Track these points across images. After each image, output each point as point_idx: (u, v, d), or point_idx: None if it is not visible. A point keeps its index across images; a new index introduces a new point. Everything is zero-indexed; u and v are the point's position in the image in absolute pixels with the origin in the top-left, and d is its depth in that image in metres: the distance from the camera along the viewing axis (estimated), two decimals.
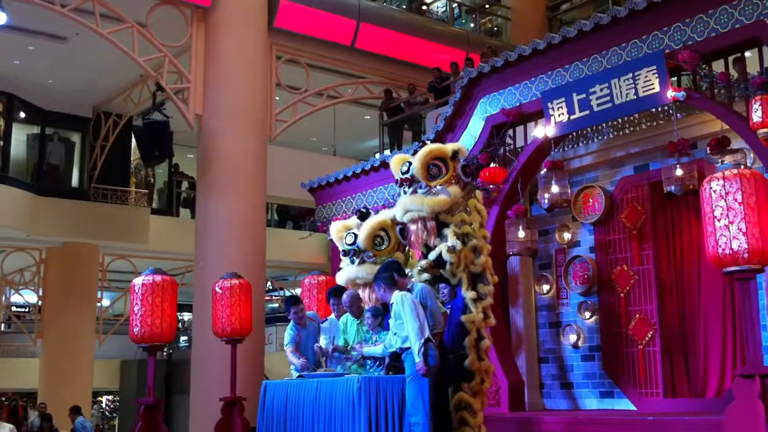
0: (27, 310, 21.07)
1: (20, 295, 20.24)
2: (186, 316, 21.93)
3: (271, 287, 22.07)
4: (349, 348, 6.98)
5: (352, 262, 7.41)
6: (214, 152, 12.69)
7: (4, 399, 20.05)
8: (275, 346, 19.57)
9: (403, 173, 7.04)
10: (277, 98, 13.98)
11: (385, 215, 7.42)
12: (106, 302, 19.97)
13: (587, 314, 8.91)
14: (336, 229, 7.77)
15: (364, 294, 7.20)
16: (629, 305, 8.54)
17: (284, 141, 14.99)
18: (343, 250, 7.48)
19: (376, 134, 15.37)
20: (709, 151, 7.63)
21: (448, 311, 6.79)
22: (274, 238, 15.78)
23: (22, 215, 16.19)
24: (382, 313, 6.70)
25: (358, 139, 19.12)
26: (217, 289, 10.09)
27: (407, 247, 7.44)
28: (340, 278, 7.52)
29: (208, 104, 12.88)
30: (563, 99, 8.33)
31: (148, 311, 9.20)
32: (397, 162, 7.24)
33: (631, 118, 8.54)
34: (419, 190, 6.97)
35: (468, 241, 6.78)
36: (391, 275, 6.47)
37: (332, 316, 7.58)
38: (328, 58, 14.77)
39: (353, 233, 7.42)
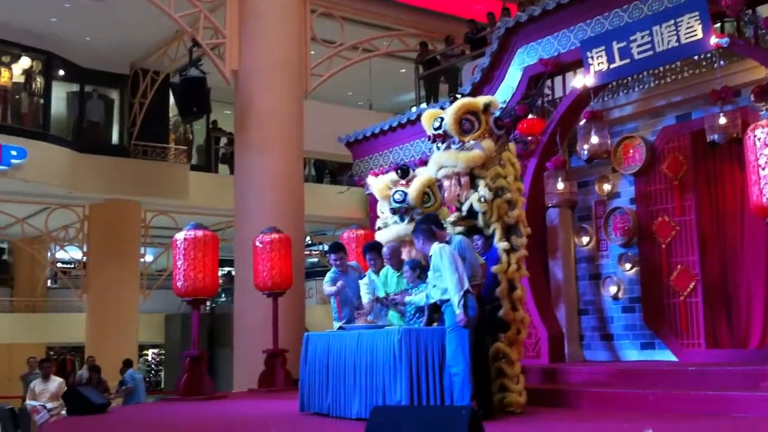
0: (72, 266, 21.61)
1: (65, 251, 20.74)
2: (228, 270, 22.31)
3: (310, 242, 22.28)
4: (386, 298, 7.01)
5: (402, 220, 7.38)
6: (250, 108, 12.73)
7: (52, 353, 20.68)
8: (315, 299, 19.81)
9: (435, 129, 6.99)
10: (312, 52, 13.94)
11: (429, 173, 7.35)
12: (149, 257, 20.35)
13: (628, 266, 8.85)
14: (379, 187, 7.72)
15: (411, 251, 7.15)
16: (670, 256, 8.47)
17: (320, 96, 14.98)
18: (392, 208, 7.44)
19: (412, 87, 15.27)
20: (753, 99, 7.46)
21: (485, 262, 6.80)
22: (312, 192, 15.87)
23: (64, 172, 16.50)
24: (420, 266, 6.73)
25: (394, 92, 19.01)
26: (257, 243, 10.24)
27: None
28: (388, 235, 7.44)
29: (243, 59, 12.88)
30: (603, 47, 8.17)
31: (190, 265, 9.39)
32: (429, 117, 7.18)
33: (673, 66, 8.35)
34: (452, 146, 6.91)
35: (502, 194, 6.75)
36: (430, 227, 6.48)
37: (369, 270, 7.62)
38: (362, 11, 14.64)
39: (402, 191, 7.37)
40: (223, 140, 20.24)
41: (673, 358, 8.29)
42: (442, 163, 6.94)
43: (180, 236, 9.56)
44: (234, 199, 13.04)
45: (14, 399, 12.64)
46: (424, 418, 4.67)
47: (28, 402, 10.80)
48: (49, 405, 10.45)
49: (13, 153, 15.30)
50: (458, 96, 7.32)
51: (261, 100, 12.71)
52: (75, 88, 18.09)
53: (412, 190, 7.28)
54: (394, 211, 7.40)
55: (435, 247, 6.28)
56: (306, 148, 13.59)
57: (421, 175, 7.35)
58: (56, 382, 10.88)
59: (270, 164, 12.55)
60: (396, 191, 7.39)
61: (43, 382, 10.88)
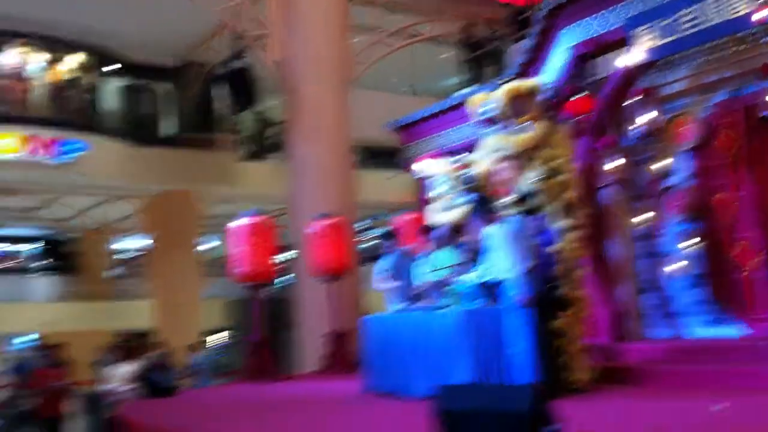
0: (135, 255, 22.28)
1: (127, 241, 21.39)
2: (286, 256, 22.68)
3: (363, 227, 22.49)
4: (443, 280, 7.19)
5: (472, 201, 7.52)
6: (297, 96, 12.97)
7: (120, 340, 21.29)
8: (372, 283, 19.96)
9: (486, 113, 7.10)
10: (355, 40, 14.06)
11: (481, 157, 7.46)
12: (209, 245, 20.82)
13: (687, 243, 8.81)
14: (444, 169, 7.83)
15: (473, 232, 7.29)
16: (731, 232, 8.39)
17: (364, 83, 15.12)
18: (464, 189, 7.53)
19: (456, 72, 15.32)
20: None
21: (541, 243, 6.92)
22: (362, 178, 16.05)
23: (120, 165, 16.99)
24: (474, 248, 6.89)
25: (438, 77, 19.08)
26: (312, 229, 10.48)
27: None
28: (453, 216, 7.55)
29: (287, 49, 13.09)
30: (649, 25, 8.14)
31: (246, 252, 9.67)
32: (477, 102, 7.29)
33: (722, 41, 8.29)
34: (504, 130, 7.03)
35: (556, 175, 6.86)
36: (486, 208, 6.64)
37: (425, 252, 7.79)
38: None
39: (473, 173, 7.47)
40: (273, 129, 20.50)
41: (738, 334, 8.24)
42: (494, 146, 7.07)
43: (236, 224, 9.85)
44: (286, 187, 13.33)
45: (87, 384, 13.11)
46: (489, 397, 4.81)
47: (101, 386, 11.28)
48: (120, 389, 10.88)
49: (72, 147, 15.84)
50: (504, 79, 7.42)
51: (306, 88, 12.95)
52: (127, 81, 18.56)
53: (480, 172, 7.39)
54: (464, 193, 7.50)
55: (491, 229, 6.44)
56: (354, 135, 13.80)
57: (482, 159, 7.46)
58: (127, 367, 11.31)
59: (319, 151, 12.81)
60: (466, 172, 7.51)
61: (114, 367, 11.33)
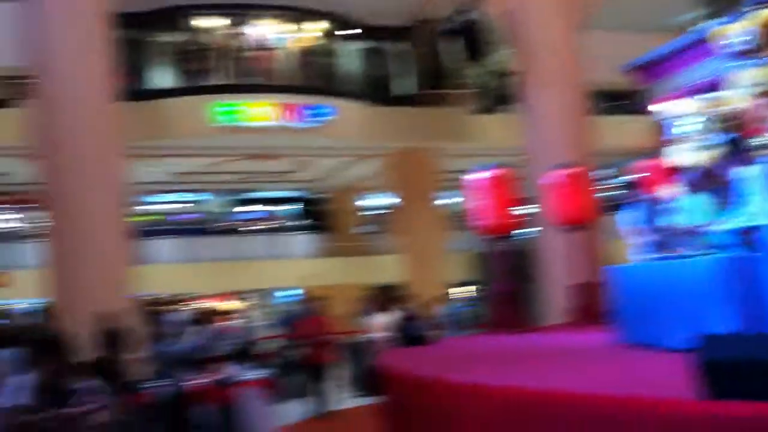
0: (381, 212, 23.49)
1: (373, 198, 22.60)
2: (527, 208, 22.75)
3: (603, 175, 21.91)
4: (695, 226, 6.94)
5: (725, 142, 7.20)
6: (527, 45, 12.88)
7: (375, 293, 22.59)
8: (614, 233, 19.51)
9: (736, 46, 6.68)
10: None
11: (737, 93, 7.05)
12: (451, 200, 21.46)
13: None
14: (693, 108, 7.52)
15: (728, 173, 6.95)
16: None
17: (596, 24, 14.63)
18: (719, 129, 7.21)
19: (691, 6, 14.33)
20: None
21: None
22: (600, 124, 15.65)
23: (362, 127, 17.92)
24: (728, 192, 6.57)
25: (672, 12, 17.95)
26: (551, 180, 10.47)
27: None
28: (703, 157, 7.27)
29: None
30: None
31: (488, 205, 9.89)
32: (725, 34, 6.86)
33: None
34: (759, 63, 6.58)
35: None
36: (742, 149, 6.31)
37: (673, 198, 7.53)
38: None
39: (724, 111, 7.13)
40: (504, 80, 20.46)
41: None
42: (750, 81, 6.64)
43: (475, 177, 10.07)
44: (524, 138, 13.34)
45: (346, 334, 14.11)
46: (753, 347, 4.63)
47: (362, 336, 12.15)
48: (379, 338, 11.65)
49: (321, 111, 17.00)
50: (754, 7, 6.90)
51: (538, 35, 12.84)
52: (363, 45, 19.44)
53: (734, 110, 7.01)
54: (717, 133, 7.15)
55: (749, 170, 6.12)
56: (589, 79, 13.46)
57: (737, 96, 7.05)
58: (384, 318, 12.08)
59: (555, 100, 12.70)
60: (718, 111, 7.15)
61: (372, 318, 12.15)
